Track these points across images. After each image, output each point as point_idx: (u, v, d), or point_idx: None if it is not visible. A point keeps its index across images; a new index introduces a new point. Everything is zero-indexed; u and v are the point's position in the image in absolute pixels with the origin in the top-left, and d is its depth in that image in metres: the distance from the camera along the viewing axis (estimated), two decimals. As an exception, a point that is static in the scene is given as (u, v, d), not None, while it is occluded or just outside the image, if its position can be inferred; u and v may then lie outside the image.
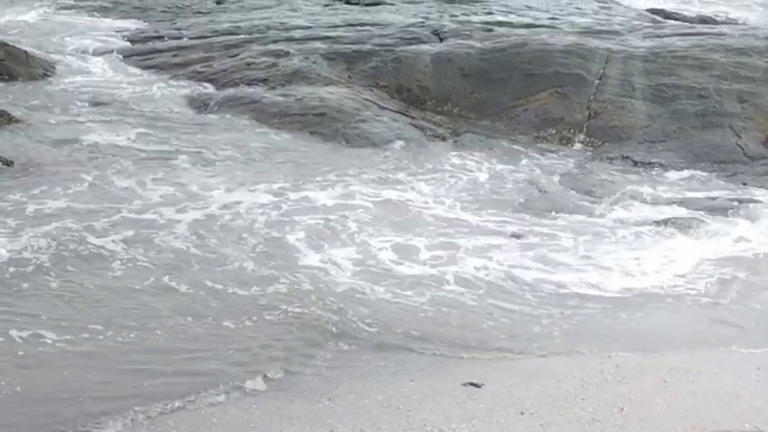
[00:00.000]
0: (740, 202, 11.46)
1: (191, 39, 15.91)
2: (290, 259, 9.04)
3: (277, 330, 7.74)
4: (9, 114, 11.94)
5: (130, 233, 9.24)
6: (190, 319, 7.78)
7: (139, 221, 9.55)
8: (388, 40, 15.06)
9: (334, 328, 7.86)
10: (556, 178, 12.09)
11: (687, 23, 17.49)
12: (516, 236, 10.13)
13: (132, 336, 7.43)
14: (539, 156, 12.78)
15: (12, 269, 8.32)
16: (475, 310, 8.52)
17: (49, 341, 7.23)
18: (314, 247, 9.35)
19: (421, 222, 10.29)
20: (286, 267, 8.82)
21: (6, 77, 13.57)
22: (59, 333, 7.34)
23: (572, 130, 13.38)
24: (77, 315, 7.65)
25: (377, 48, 14.81)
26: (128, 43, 15.94)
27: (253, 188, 10.69)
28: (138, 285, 8.26)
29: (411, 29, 15.57)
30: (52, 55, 14.93)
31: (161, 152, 11.59)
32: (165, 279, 8.40)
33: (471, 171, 12.08)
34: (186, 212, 9.87)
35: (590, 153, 12.98)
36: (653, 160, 12.73)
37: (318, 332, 7.79)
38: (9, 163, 10.57)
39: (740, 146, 13.06)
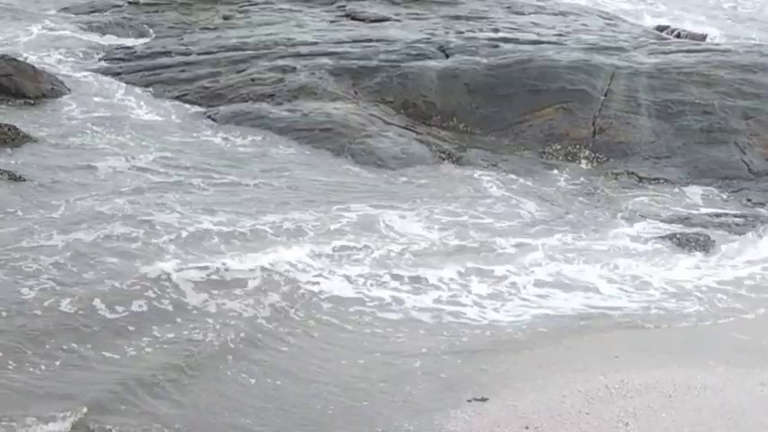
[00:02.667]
0: (745, 218, 11.49)
1: (198, 54, 15.94)
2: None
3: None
4: (17, 129, 11.97)
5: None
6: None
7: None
8: (394, 56, 15.09)
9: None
10: (560, 194, 12.11)
11: (692, 40, 17.51)
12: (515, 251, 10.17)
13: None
14: (543, 171, 12.80)
15: None
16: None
17: None
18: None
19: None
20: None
21: (14, 92, 13.61)
22: None
23: (577, 146, 13.40)
24: None
25: (383, 63, 14.85)
26: (135, 59, 15.97)
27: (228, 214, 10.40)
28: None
29: (417, 45, 15.61)
30: (60, 70, 14.97)
31: (159, 170, 11.50)
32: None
33: (475, 187, 12.08)
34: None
35: (595, 169, 13.00)
36: (658, 176, 12.75)
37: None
38: (18, 179, 10.61)
39: (745, 162, 13.09)
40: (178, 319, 8.19)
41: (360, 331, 8.40)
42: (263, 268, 9.10)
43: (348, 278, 9.25)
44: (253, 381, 7.40)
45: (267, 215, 10.45)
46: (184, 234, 9.70)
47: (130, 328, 7.95)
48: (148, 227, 9.72)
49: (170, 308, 8.34)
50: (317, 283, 9.07)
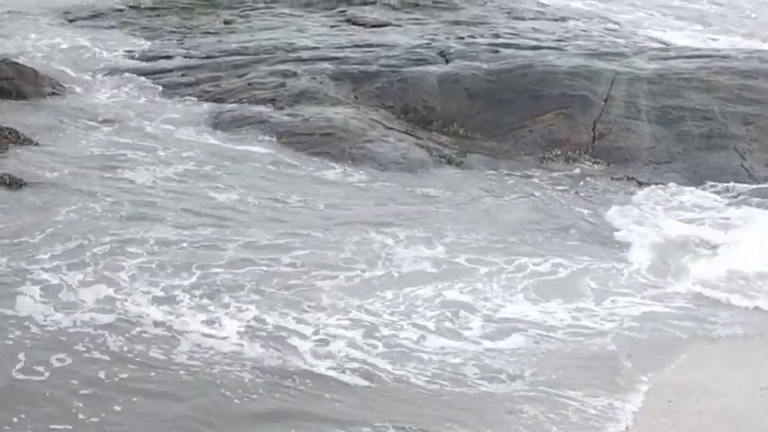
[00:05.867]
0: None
1: (199, 58, 15.99)
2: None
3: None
4: (18, 133, 11.99)
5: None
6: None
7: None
8: (394, 61, 15.13)
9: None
10: (558, 199, 12.10)
11: (693, 46, 17.56)
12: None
13: None
14: (543, 177, 12.80)
15: None
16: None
17: None
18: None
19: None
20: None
21: (16, 96, 13.63)
22: None
23: (577, 151, 13.43)
24: None
25: (383, 68, 14.88)
26: (136, 62, 16.01)
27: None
28: None
29: (417, 50, 15.64)
30: (60, 73, 14.98)
31: (157, 179, 11.32)
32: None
33: (472, 195, 12.01)
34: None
35: (595, 174, 13.01)
36: (658, 181, 12.77)
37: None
38: (18, 183, 10.62)
39: (745, 167, 13.11)
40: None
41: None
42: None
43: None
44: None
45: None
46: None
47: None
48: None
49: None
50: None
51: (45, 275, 8.55)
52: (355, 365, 7.63)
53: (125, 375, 7.23)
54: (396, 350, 7.96)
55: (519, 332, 8.46)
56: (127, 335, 7.78)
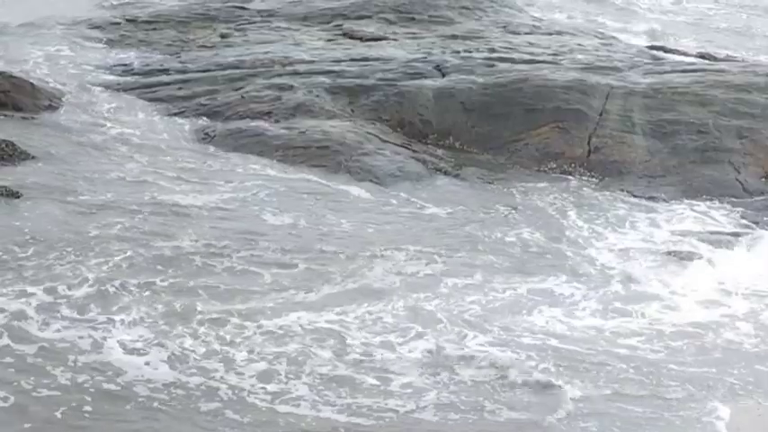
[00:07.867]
0: (738, 236, 11.55)
1: (195, 72, 16.01)
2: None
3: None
4: (15, 145, 12.01)
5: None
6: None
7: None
8: (390, 75, 15.16)
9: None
10: (552, 212, 12.11)
11: (687, 60, 17.62)
12: None
13: None
14: (538, 190, 12.83)
15: None
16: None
17: None
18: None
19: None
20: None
21: (12, 109, 13.65)
22: None
23: (572, 165, 13.48)
24: None
25: (379, 82, 14.91)
26: (132, 76, 16.04)
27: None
28: None
29: (413, 64, 15.69)
30: (57, 87, 15.00)
31: (154, 194, 11.32)
32: None
33: (468, 210, 12.01)
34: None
35: (590, 187, 13.05)
36: (653, 195, 12.82)
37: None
38: (16, 195, 10.66)
39: (740, 181, 13.17)
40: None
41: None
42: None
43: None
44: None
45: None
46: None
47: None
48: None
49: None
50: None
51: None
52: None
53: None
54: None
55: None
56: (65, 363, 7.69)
